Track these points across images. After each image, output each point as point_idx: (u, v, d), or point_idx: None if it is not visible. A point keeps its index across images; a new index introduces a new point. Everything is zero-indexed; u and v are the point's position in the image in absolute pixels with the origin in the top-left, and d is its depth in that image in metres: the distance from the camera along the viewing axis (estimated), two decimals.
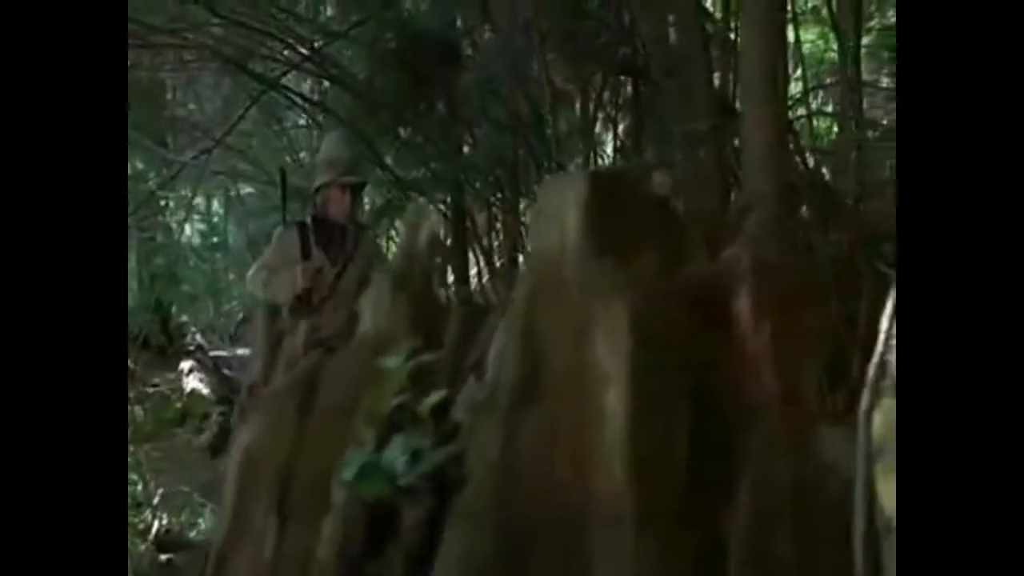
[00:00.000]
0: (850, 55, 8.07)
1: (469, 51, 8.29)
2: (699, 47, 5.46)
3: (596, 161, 8.73)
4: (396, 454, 1.46)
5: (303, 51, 6.92)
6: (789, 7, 9.64)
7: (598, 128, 9.41)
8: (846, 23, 8.29)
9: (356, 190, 4.75)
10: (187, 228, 10.37)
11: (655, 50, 6.62)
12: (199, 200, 11.76)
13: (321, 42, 7.26)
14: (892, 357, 2.01)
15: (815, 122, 9.73)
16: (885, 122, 9.60)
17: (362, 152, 6.10)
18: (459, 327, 1.75)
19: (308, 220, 4.68)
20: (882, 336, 2.06)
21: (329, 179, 4.62)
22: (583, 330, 1.52)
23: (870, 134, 9.02)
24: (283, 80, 7.90)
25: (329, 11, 8.05)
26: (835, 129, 9.36)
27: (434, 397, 1.54)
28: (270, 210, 8.67)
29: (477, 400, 1.53)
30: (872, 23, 11.08)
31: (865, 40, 11.34)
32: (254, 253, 10.63)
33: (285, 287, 4.43)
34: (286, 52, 7.08)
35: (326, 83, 7.96)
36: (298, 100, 7.69)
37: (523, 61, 7.13)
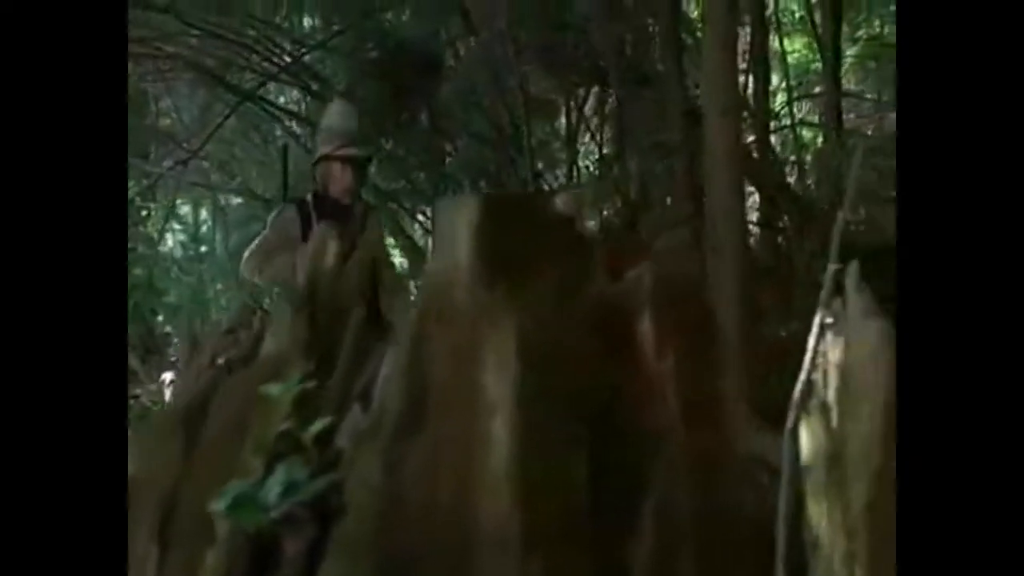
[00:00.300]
0: (829, 65, 8.08)
1: (452, 62, 8.27)
2: (672, 57, 5.44)
3: (578, 171, 8.73)
4: (273, 483, 1.42)
5: (278, 63, 6.87)
6: (774, 18, 9.68)
7: (586, 138, 9.43)
8: (830, 34, 8.31)
9: (359, 165, 4.18)
10: (169, 239, 10.35)
11: (628, 60, 6.63)
12: (186, 210, 11.76)
13: (299, 52, 7.21)
14: (818, 375, 1.98)
15: (804, 132, 9.74)
16: (869, 132, 9.62)
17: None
18: (353, 351, 1.71)
19: (309, 198, 4.12)
20: (808, 354, 2.03)
21: (327, 152, 4.09)
22: (472, 355, 1.48)
23: (852, 143, 9.03)
24: (267, 91, 7.89)
25: (309, 22, 8.00)
26: (819, 139, 9.36)
27: (318, 424, 1.50)
28: (252, 219, 8.65)
29: (361, 427, 1.49)
30: (859, 33, 11.12)
31: (852, 51, 11.39)
32: (237, 264, 10.58)
33: (283, 272, 3.91)
34: (266, 63, 7.03)
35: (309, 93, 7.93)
36: (275, 111, 7.63)
37: (502, 72, 7.10)
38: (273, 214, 4.22)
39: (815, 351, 2.03)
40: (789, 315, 6.69)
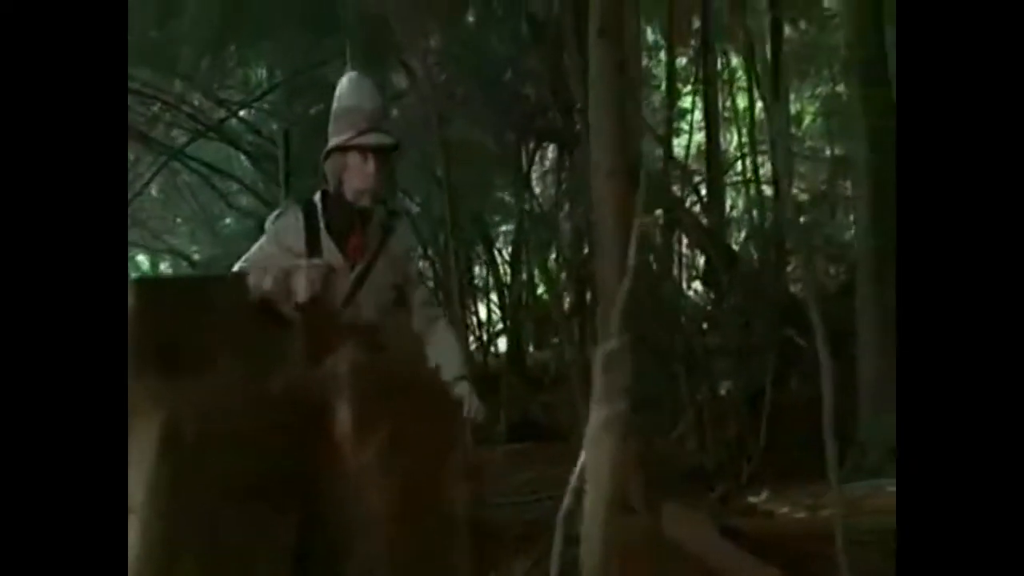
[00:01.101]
0: (759, 122, 8.03)
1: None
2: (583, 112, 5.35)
3: (523, 225, 8.63)
4: None
5: (204, 121, 6.77)
6: (726, 74, 9.68)
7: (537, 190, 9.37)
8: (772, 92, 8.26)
9: (384, 156, 3.16)
10: None
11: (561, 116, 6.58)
12: (146, 267, 11.68)
13: (231, 110, 7.13)
14: None
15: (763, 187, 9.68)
16: (824, 187, 9.55)
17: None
18: None
19: (317, 199, 3.18)
20: (588, 433, 1.89)
21: (343, 139, 3.11)
22: None
23: (803, 198, 8.98)
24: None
25: (254, 76, 7.93)
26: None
27: None
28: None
29: None
30: (819, 90, 11.13)
31: (811, 108, 11.39)
32: None
33: (278, 297, 2.88)
34: (193, 120, 6.93)
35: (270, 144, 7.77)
36: (202, 169, 7.50)
37: (438, 124, 7.02)
38: (272, 216, 3.30)
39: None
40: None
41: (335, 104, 3.20)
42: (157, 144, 6.88)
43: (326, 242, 3.07)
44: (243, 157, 7.41)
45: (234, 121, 7.45)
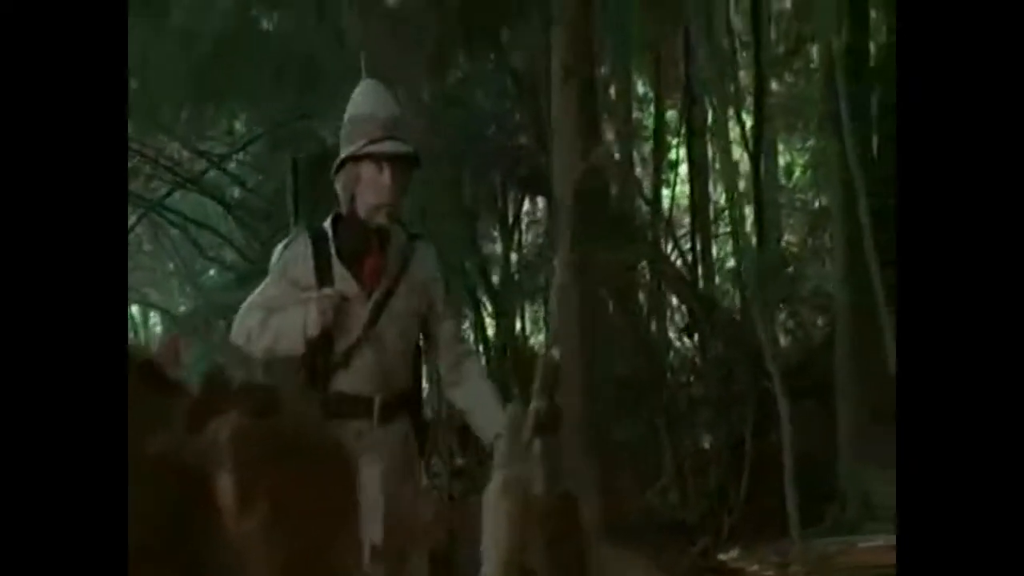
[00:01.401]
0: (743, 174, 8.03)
1: None
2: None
3: (513, 272, 8.61)
4: None
5: (182, 173, 6.78)
6: (715, 126, 9.71)
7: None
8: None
9: (401, 167, 2.82)
10: None
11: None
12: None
13: (217, 159, 7.15)
14: None
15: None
16: (809, 241, 9.52)
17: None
18: None
19: (327, 225, 2.89)
20: None
21: (355, 148, 2.79)
22: None
23: (792, 251, 8.95)
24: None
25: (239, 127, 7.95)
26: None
27: None
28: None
29: None
30: (809, 143, 11.15)
31: (801, 160, 11.41)
32: None
33: (292, 331, 2.75)
34: (170, 172, 6.95)
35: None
36: (181, 221, 7.51)
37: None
38: (279, 247, 2.99)
39: None
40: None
41: (347, 112, 2.93)
42: (136, 197, 6.90)
43: (338, 269, 2.80)
44: (224, 209, 7.42)
45: (216, 173, 7.46)
